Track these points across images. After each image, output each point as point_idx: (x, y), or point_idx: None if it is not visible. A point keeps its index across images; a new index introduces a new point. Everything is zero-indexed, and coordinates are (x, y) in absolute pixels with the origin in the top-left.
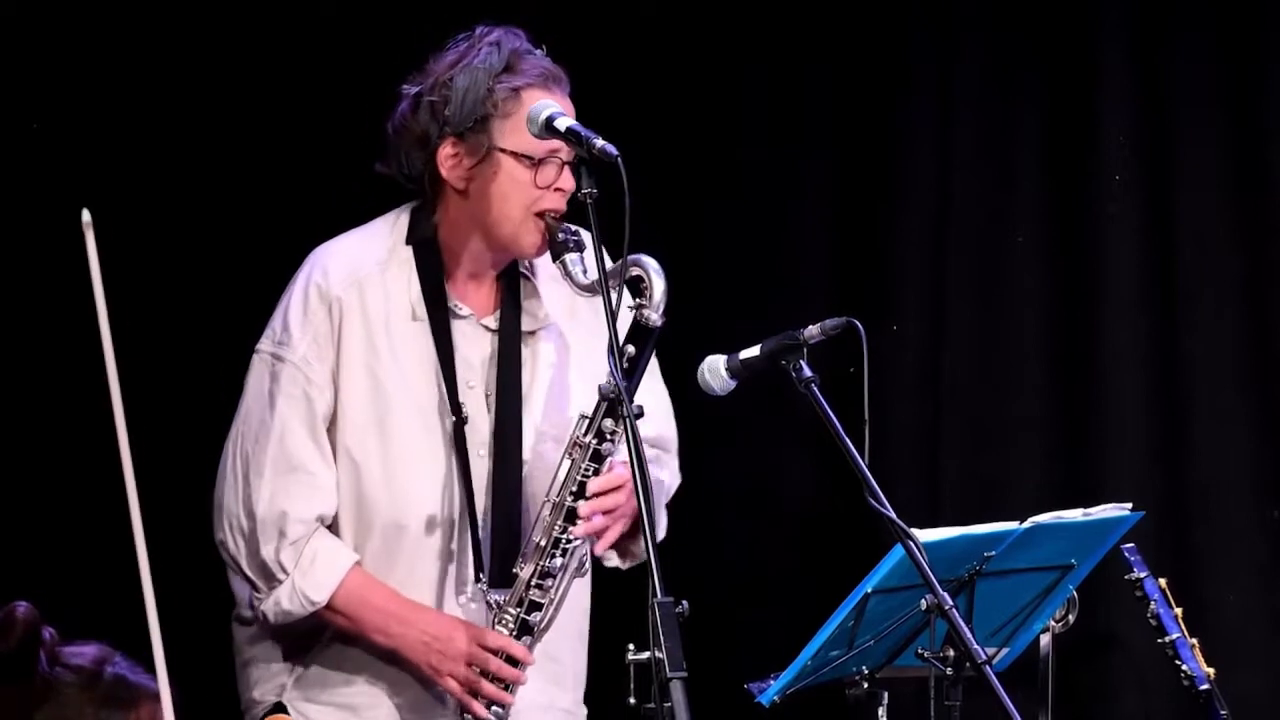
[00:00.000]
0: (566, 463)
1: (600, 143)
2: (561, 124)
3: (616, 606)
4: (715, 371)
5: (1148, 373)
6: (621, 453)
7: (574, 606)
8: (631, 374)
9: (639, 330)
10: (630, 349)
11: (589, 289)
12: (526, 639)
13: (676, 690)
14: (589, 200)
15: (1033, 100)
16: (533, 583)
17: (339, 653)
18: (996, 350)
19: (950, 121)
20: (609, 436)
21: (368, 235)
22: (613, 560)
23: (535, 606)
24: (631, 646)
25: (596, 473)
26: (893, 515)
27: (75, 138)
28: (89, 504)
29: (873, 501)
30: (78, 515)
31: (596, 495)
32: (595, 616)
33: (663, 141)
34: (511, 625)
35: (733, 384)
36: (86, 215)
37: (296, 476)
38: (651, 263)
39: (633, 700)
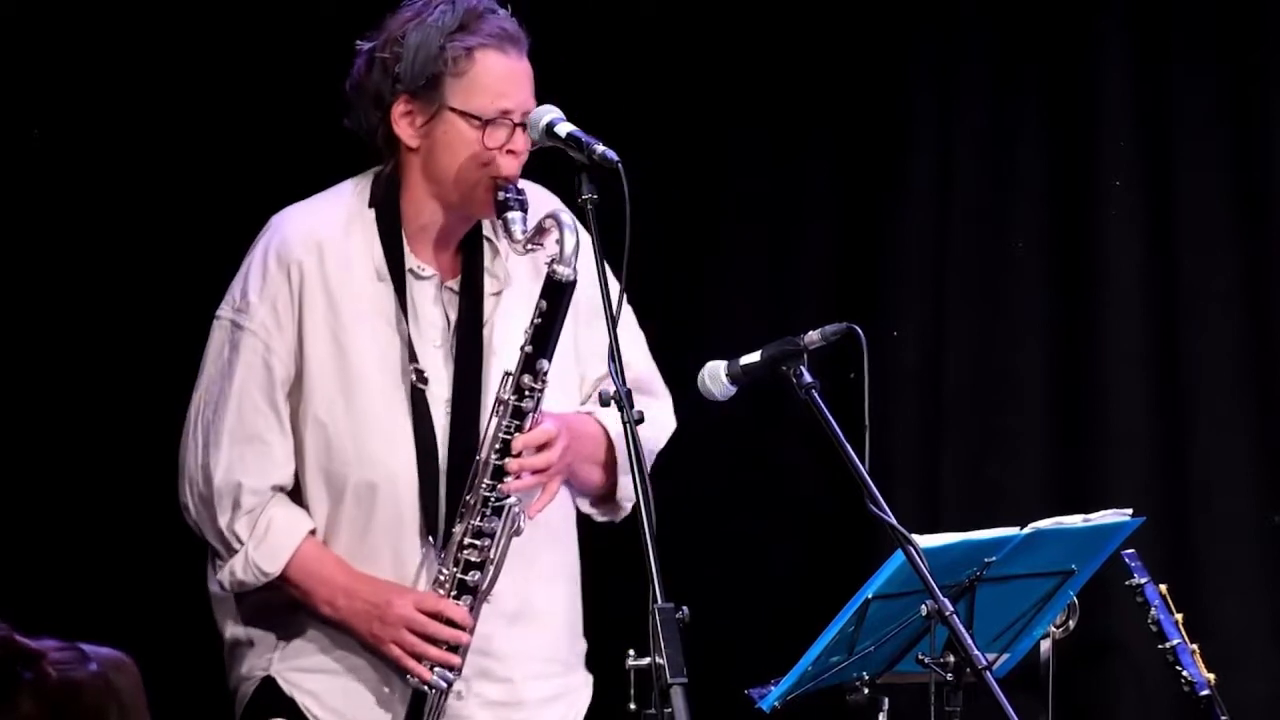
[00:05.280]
0: (493, 421)
1: (601, 149)
2: (562, 129)
3: (617, 612)
4: (716, 377)
5: (1148, 378)
6: (545, 408)
7: (553, 555)
8: (549, 330)
9: (553, 286)
10: (544, 304)
11: (525, 247)
12: (468, 599)
13: (677, 696)
14: (589, 206)
15: (1033, 103)
16: (465, 542)
17: (323, 620)
18: (997, 355)
19: (951, 125)
20: (528, 394)
21: (329, 199)
22: (592, 512)
23: (473, 566)
24: (632, 652)
25: (520, 429)
26: (893, 521)
27: (59, 131)
28: None
29: (873, 507)
30: None
31: (522, 452)
32: (595, 619)
33: (662, 144)
34: (448, 586)
35: (733, 390)
36: None
37: (252, 446)
38: (565, 218)
39: (633, 706)
